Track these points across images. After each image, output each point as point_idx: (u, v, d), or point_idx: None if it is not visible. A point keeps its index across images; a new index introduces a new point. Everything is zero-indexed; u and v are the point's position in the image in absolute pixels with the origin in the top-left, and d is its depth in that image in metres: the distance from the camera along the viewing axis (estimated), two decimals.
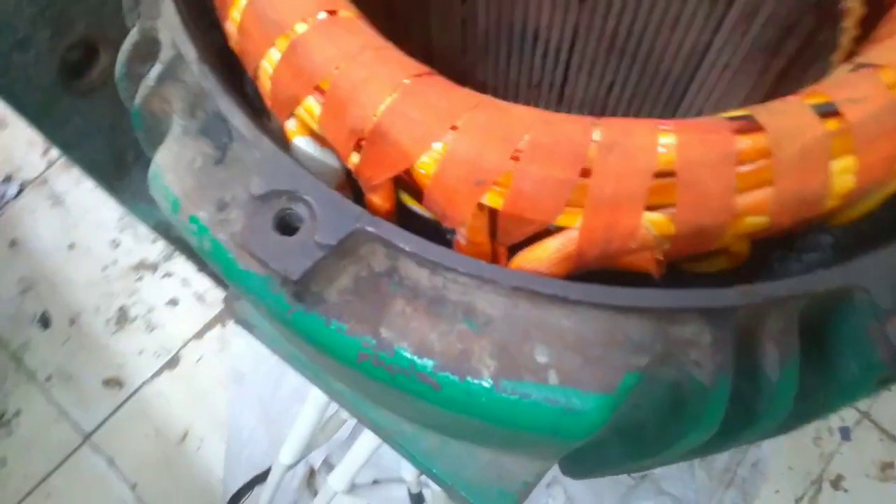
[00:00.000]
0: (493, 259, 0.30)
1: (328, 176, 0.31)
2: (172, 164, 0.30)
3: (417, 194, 0.29)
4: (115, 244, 0.89)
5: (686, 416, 0.28)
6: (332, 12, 0.28)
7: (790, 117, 0.26)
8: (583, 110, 0.81)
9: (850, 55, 0.39)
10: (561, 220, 0.26)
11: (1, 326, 0.87)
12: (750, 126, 0.26)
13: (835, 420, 0.81)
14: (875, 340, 0.26)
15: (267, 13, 0.28)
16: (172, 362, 0.86)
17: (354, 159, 0.28)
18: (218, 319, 0.86)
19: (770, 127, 0.25)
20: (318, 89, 0.28)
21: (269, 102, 0.30)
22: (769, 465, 0.80)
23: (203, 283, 0.87)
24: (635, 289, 0.26)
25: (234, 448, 0.81)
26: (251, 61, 0.30)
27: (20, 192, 0.92)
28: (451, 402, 0.27)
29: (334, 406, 0.58)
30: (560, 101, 0.83)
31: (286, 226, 0.27)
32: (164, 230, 0.56)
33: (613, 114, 0.78)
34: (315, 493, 0.80)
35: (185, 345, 0.86)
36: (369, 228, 0.27)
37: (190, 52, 0.30)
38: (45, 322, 0.87)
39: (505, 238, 0.29)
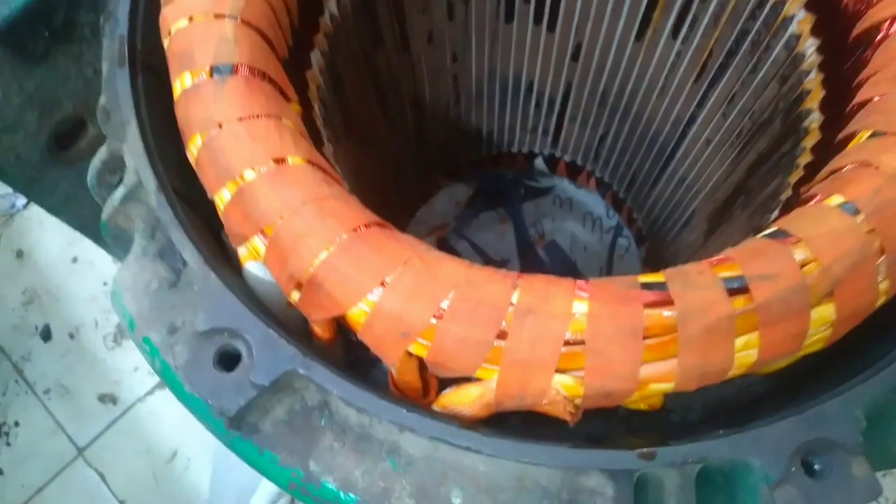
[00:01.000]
0: (424, 390, 0.31)
1: (277, 296, 0.33)
2: (131, 285, 0.32)
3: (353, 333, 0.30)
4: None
5: None
6: (280, 160, 0.30)
7: (700, 292, 0.27)
8: (576, 156, 0.82)
9: (803, 184, 0.40)
10: (479, 374, 0.28)
11: (4, 337, 0.90)
12: (661, 299, 0.27)
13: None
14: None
15: (218, 159, 0.29)
16: None
17: (295, 297, 0.30)
18: None
19: (679, 302, 0.27)
20: (263, 233, 0.30)
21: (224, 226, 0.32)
22: None
23: None
24: (543, 445, 0.27)
25: (221, 471, 0.83)
26: (208, 192, 0.31)
27: (28, 202, 0.95)
28: None
29: None
30: (555, 145, 0.84)
31: (226, 360, 0.29)
32: None
33: (606, 161, 0.79)
34: None
35: None
36: (301, 371, 0.29)
37: (150, 182, 0.31)
38: (46, 334, 0.90)
39: (434, 374, 0.30)
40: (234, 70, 0.31)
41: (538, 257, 0.82)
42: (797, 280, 0.27)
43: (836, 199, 0.29)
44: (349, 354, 0.34)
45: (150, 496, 0.84)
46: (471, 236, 0.83)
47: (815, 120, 0.41)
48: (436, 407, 0.30)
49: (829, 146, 0.37)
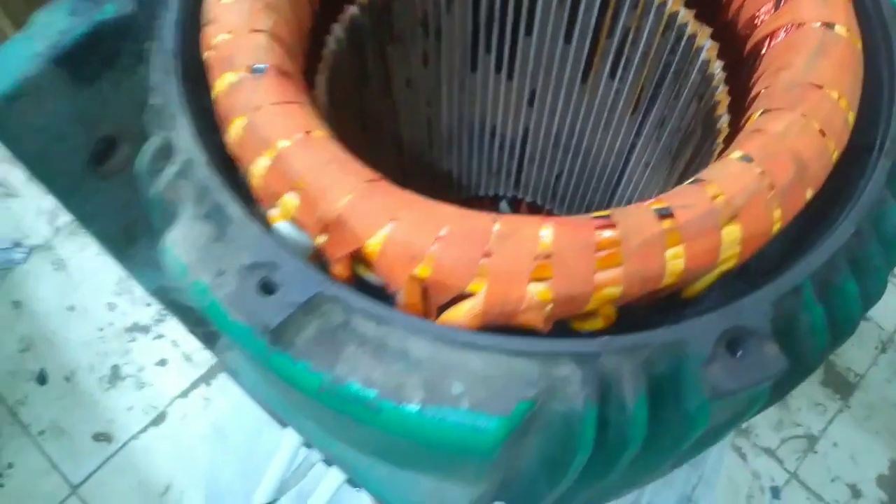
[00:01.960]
0: (425, 315, 0.39)
1: (302, 251, 0.40)
2: (182, 241, 0.39)
3: (368, 266, 0.38)
4: (112, 307, 0.97)
5: (571, 440, 0.37)
6: (308, 132, 0.38)
7: (637, 217, 0.36)
8: (536, 195, 0.92)
9: None
10: (471, 287, 0.36)
11: (0, 383, 0.93)
12: (607, 223, 0.35)
13: (766, 480, 0.89)
14: (702, 382, 0.35)
15: (258, 132, 0.38)
16: (159, 419, 0.93)
17: (321, 240, 0.38)
18: (203, 379, 0.94)
19: (621, 224, 0.35)
20: (295, 188, 0.37)
21: (256, 195, 0.40)
22: None
23: (191, 344, 0.95)
24: (525, 337, 0.35)
25: (213, 498, 0.87)
26: (243, 165, 0.39)
27: (27, 257, 1.00)
28: (388, 424, 0.36)
29: (303, 454, 0.65)
30: (517, 187, 0.94)
31: (266, 289, 0.36)
32: (163, 294, 0.65)
33: (562, 199, 0.89)
34: None
35: (171, 402, 0.93)
36: (328, 293, 0.36)
37: (200, 157, 0.39)
38: (42, 379, 0.94)
39: (434, 301, 0.38)
40: (267, 70, 0.40)
41: None
42: (708, 207, 0.36)
43: (736, 154, 0.39)
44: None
45: None
46: None
47: (725, 121, 0.51)
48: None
49: (735, 134, 0.46)
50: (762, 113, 0.41)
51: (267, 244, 0.37)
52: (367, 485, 0.47)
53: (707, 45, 0.55)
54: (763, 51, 0.46)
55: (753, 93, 0.45)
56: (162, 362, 0.94)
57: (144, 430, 0.91)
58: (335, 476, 0.58)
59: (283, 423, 0.66)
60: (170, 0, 0.45)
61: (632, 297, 0.36)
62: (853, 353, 0.94)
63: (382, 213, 0.36)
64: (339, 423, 0.41)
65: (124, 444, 0.90)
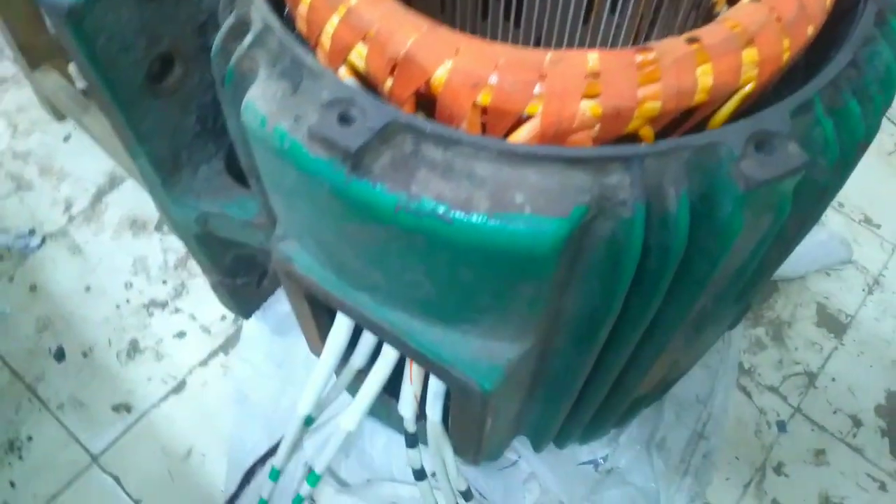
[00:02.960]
0: None
1: None
2: (261, 96, 0.43)
3: (430, 109, 0.42)
4: (129, 286, 0.99)
5: (622, 245, 0.41)
6: None
7: (669, 44, 0.41)
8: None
9: None
10: (528, 109, 0.40)
11: (18, 361, 0.94)
12: (645, 48, 0.40)
13: (772, 415, 0.93)
14: (736, 177, 0.39)
15: None
16: (179, 387, 0.94)
17: (388, 83, 0.42)
18: (222, 348, 0.96)
19: (656, 48, 0.40)
20: (365, 38, 0.42)
21: (325, 58, 0.44)
22: (718, 455, 0.90)
23: (209, 316, 0.97)
24: (573, 149, 0.39)
25: (237, 458, 0.88)
26: (315, 29, 0.44)
27: (42, 243, 1.02)
28: (458, 233, 0.40)
29: (340, 369, 0.68)
30: None
31: (345, 120, 0.40)
32: (202, 223, 0.68)
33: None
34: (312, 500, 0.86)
35: (191, 371, 0.94)
36: (402, 120, 0.40)
37: (276, 24, 0.44)
38: (59, 355, 0.95)
39: (493, 131, 0.42)
40: None
41: None
42: (728, 33, 0.41)
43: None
44: None
45: (165, 493, 0.86)
46: None
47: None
48: None
49: None
50: None
51: (344, 85, 0.41)
52: (420, 348, 0.50)
53: None
54: None
55: None
56: (180, 334, 0.96)
57: (165, 398, 0.92)
58: (375, 380, 0.61)
59: (317, 351, 0.68)
60: None
61: (669, 114, 0.41)
62: (843, 297, 1.00)
63: (446, 48, 0.40)
64: (406, 257, 0.44)
65: (144, 414, 0.91)
